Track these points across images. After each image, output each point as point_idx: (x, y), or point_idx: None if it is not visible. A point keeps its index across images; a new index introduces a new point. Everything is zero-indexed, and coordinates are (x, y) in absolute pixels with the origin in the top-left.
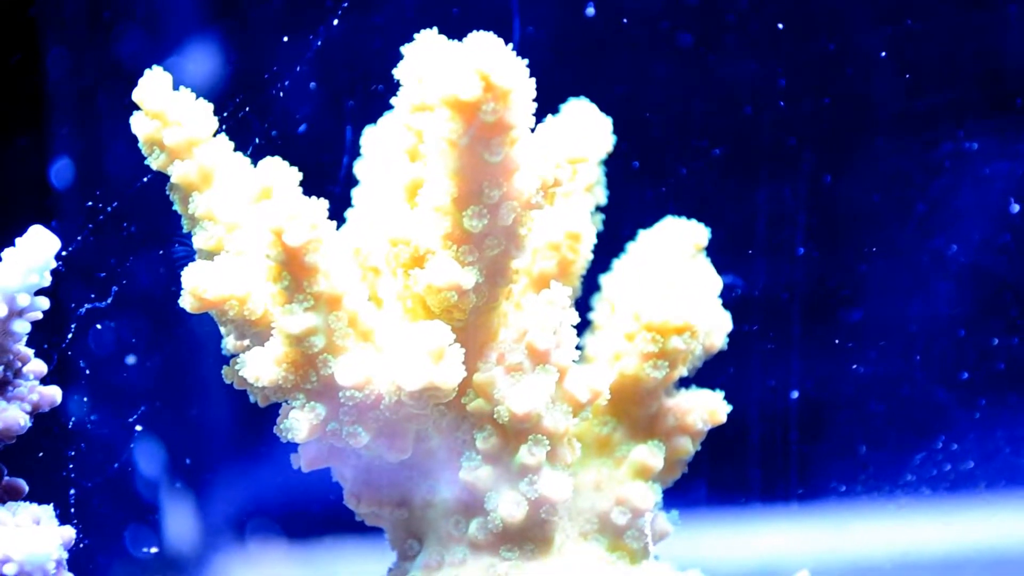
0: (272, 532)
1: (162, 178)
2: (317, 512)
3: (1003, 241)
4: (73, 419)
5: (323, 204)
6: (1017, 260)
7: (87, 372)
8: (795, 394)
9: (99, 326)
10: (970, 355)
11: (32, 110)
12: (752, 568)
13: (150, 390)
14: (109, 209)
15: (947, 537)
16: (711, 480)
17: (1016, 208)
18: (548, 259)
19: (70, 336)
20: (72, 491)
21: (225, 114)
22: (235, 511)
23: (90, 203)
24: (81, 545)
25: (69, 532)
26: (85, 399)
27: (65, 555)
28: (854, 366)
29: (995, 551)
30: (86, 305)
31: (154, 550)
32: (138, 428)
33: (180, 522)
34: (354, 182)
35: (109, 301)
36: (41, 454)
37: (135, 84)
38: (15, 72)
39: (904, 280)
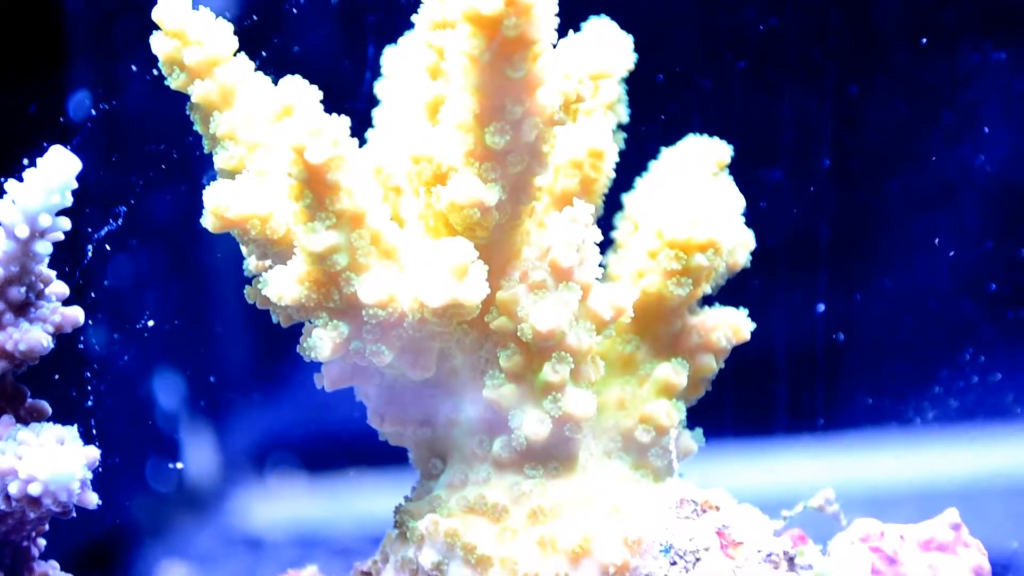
0: (292, 466)
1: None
2: (337, 446)
3: None
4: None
5: (345, 121)
6: None
7: (107, 302)
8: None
9: (117, 255)
10: (998, 268)
11: (50, 42)
12: (775, 494)
13: (169, 322)
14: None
15: (969, 465)
16: (735, 408)
17: None
18: (570, 177)
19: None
20: (92, 421)
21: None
22: (255, 445)
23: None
24: (100, 470)
25: (93, 452)
26: (106, 328)
27: (89, 475)
28: (883, 281)
29: (1017, 481)
30: (104, 229)
31: (180, 465)
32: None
33: (200, 456)
34: (375, 102)
35: (120, 223)
36: (63, 382)
37: (152, 9)
38: (33, 4)
39: (932, 194)
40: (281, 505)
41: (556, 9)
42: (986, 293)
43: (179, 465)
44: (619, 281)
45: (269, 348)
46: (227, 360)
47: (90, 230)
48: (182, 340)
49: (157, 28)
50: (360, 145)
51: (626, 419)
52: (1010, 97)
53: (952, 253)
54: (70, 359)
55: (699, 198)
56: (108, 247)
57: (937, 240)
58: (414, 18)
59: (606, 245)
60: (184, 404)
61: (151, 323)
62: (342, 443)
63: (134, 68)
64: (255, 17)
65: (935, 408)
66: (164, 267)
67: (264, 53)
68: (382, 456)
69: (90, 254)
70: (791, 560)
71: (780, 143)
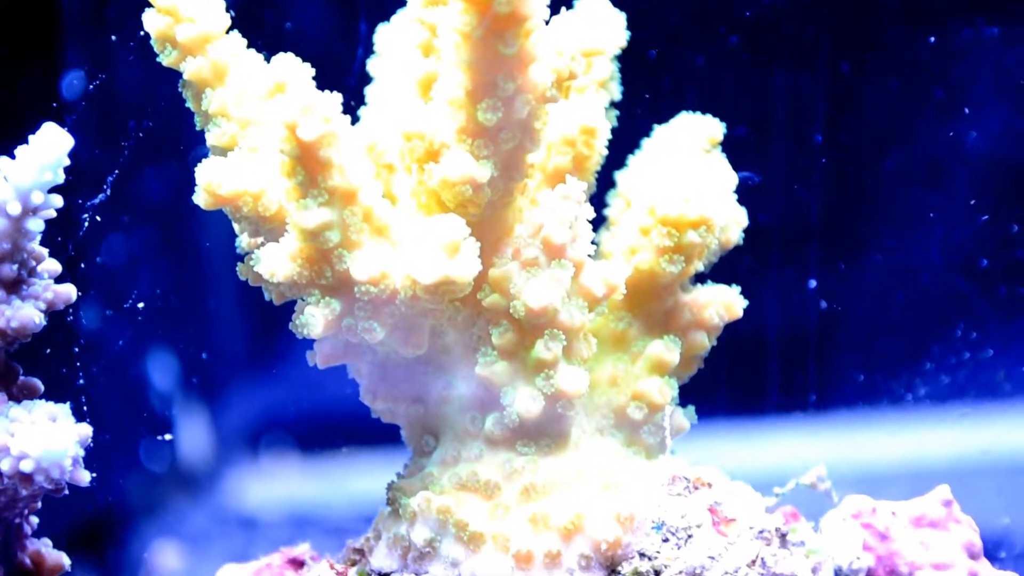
0: (286, 446)
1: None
2: (331, 426)
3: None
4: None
5: (337, 98)
6: None
7: (100, 282)
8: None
9: (110, 233)
10: (990, 245)
11: (44, 22)
12: (767, 472)
13: (162, 301)
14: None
15: (961, 443)
16: (727, 387)
17: None
18: (563, 154)
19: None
20: (84, 399)
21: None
22: (249, 425)
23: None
24: (92, 447)
25: (86, 429)
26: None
27: (81, 452)
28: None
29: (1008, 458)
30: (95, 201)
31: (168, 437)
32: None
33: (194, 436)
34: (368, 79)
35: (111, 199)
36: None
37: None
38: None
39: (924, 170)
40: (275, 485)
41: None
42: (978, 269)
43: (167, 437)
44: (612, 258)
45: (263, 327)
46: (221, 339)
47: (81, 201)
48: (176, 319)
49: (149, 5)
50: (353, 123)
51: (618, 396)
52: (1002, 73)
53: (944, 230)
54: (62, 336)
55: (691, 175)
56: (100, 224)
57: (929, 216)
58: None
59: (599, 222)
60: (177, 383)
61: (144, 302)
62: (336, 423)
63: (128, 45)
64: None
65: (927, 385)
66: (157, 245)
67: (256, 30)
68: (376, 435)
69: (84, 231)
70: (783, 537)
71: (772, 119)
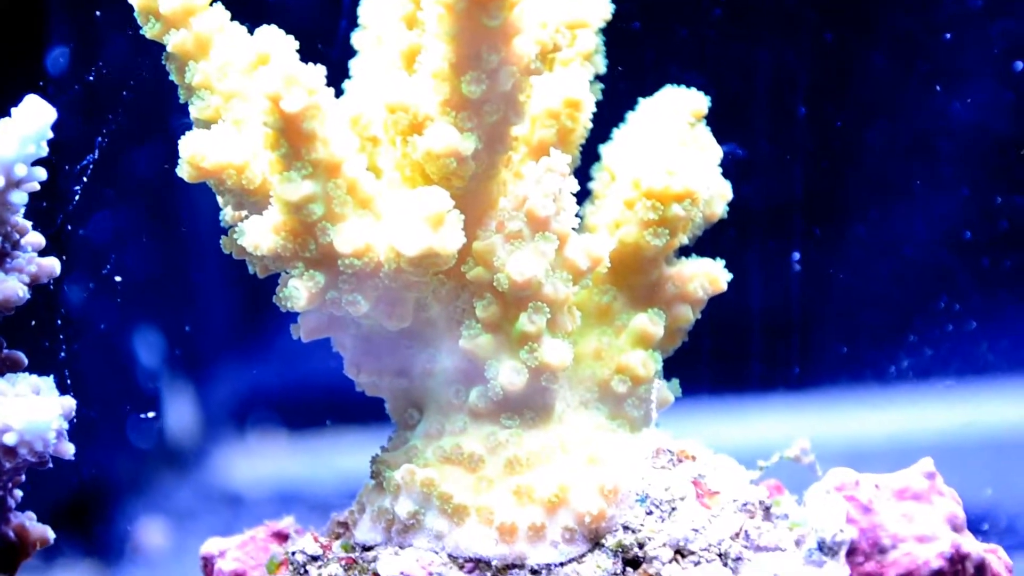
0: (273, 423)
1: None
2: (317, 403)
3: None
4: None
5: (321, 70)
6: (1021, 118)
7: (86, 258)
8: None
9: (95, 207)
10: (973, 216)
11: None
12: (751, 447)
13: (149, 279)
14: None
15: (945, 417)
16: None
17: (1020, 66)
18: (547, 127)
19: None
20: (67, 372)
21: None
22: (235, 403)
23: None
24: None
25: (69, 402)
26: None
27: (65, 425)
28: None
29: (991, 431)
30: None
31: (151, 414)
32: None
33: (180, 413)
34: (352, 52)
35: (97, 173)
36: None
37: None
38: None
39: (908, 142)
40: (262, 462)
41: None
42: (962, 242)
43: (151, 415)
44: (596, 232)
45: (250, 305)
46: (207, 315)
47: (67, 167)
48: (161, 296)
49: None
50: (337, 96)
51: (603, 369)
52: (987, 44)
53: (928, 202)
54: (46, 311)
55: (676, 148)
56: (85, 198)
57: (913, 189)
58: None
59: (583, 196)
60: (163, 360)
61: (129, 278)
62: (322, 400)
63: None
64: None
65: (910, 359)
66: (142, 220)
67: (240, 3)
68: (364, 412)
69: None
70: (767, 509)
71: (756, 91)
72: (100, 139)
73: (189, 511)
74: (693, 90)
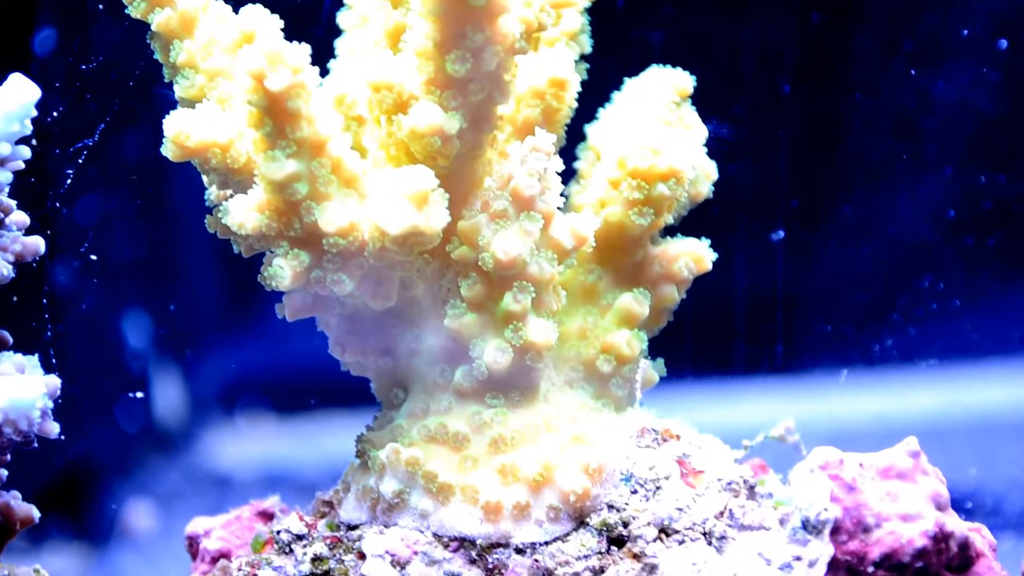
0: (261, 407)
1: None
2: (305, 386)
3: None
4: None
5: (305, 49)
6: (1004, 97)
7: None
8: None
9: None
10: (957, 196)
11: None
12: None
13: (136, 259)
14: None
15: (928, 397)
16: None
17: (1004, 44)
18: (532, 107)
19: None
20: (52, 351)
21: None
22: (224, 386)
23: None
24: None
25: (54, 381)
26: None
27: (50, 404)
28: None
29: (975, 410)
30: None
31: (140, 395)
32: None
33: (169, 396)
34: (337, 31)
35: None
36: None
37: None
38: None
39: (892, 121)
40: (250, 444)
41: None
42: (946, 221)
43: (139, 395)
44: (581, 211)
45: (238, 286)
46: (196, 300)
47: (58, 151)
48: (148, 277)
49: None
50: (323, 75)
51: (588, 349)
52: (971, 23)
53: (912, 181)
54: (34, 292)
55: (661, 128)
56: (72, 179)
57: (897, 168)
58: None
59: (569, 175)
60: (151, 342)
61: (117, 260)
62: (311, 383)
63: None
64: None
65: (894, 338)
66: (130, 201)
67: None
68: (354, 395)
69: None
70: (751, 488)
71: (741, 71)
72: (102, 125)
73: (177, 493)
74: (678, 70)
